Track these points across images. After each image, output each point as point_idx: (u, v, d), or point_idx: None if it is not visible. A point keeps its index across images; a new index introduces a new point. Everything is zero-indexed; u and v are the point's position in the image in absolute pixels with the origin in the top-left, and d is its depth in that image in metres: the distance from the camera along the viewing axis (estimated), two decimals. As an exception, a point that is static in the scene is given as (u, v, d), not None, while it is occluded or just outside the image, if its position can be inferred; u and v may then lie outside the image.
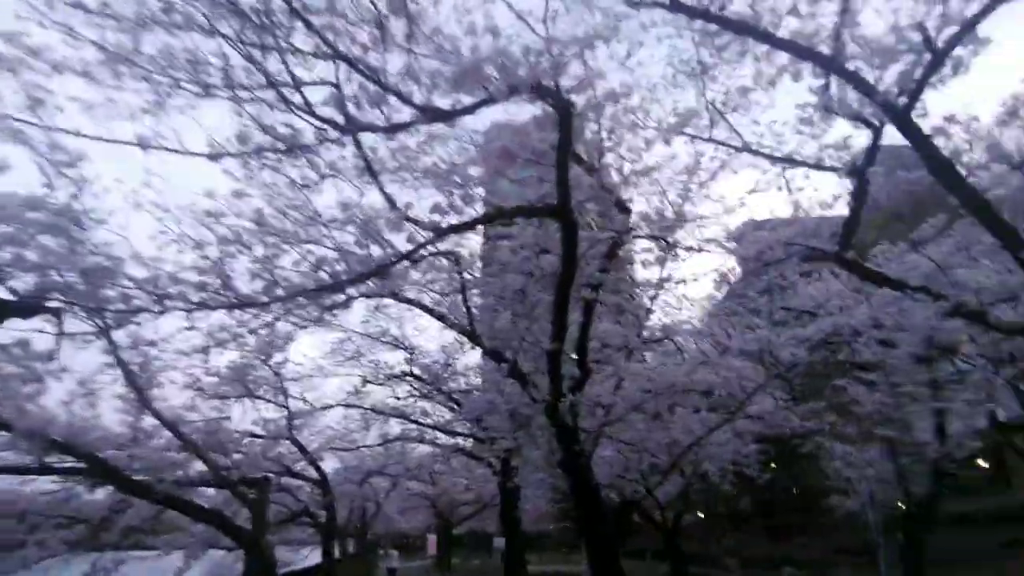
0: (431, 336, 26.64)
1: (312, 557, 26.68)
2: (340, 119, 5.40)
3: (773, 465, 18.28)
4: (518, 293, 7.87)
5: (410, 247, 5.99)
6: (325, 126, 5.46)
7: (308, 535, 26.92)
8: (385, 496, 29.35)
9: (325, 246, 6.26)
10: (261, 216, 6.11)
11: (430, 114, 5.43)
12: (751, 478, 14.75)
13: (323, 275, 5.88)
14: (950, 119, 6.44)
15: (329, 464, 21.51)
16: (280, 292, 5.79)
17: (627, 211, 7.57)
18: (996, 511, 23.89)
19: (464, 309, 9.17)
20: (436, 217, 5.98)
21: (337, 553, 28.91)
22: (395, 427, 17.27)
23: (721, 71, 6.82)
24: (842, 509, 29.32)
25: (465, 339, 12.79)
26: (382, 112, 5.35)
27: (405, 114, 5.46)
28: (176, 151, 5.28)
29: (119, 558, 11.50)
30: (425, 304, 9.90)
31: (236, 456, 10.55)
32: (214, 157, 5.56)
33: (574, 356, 8.22)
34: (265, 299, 5.81)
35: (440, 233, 5.97)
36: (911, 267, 8.16)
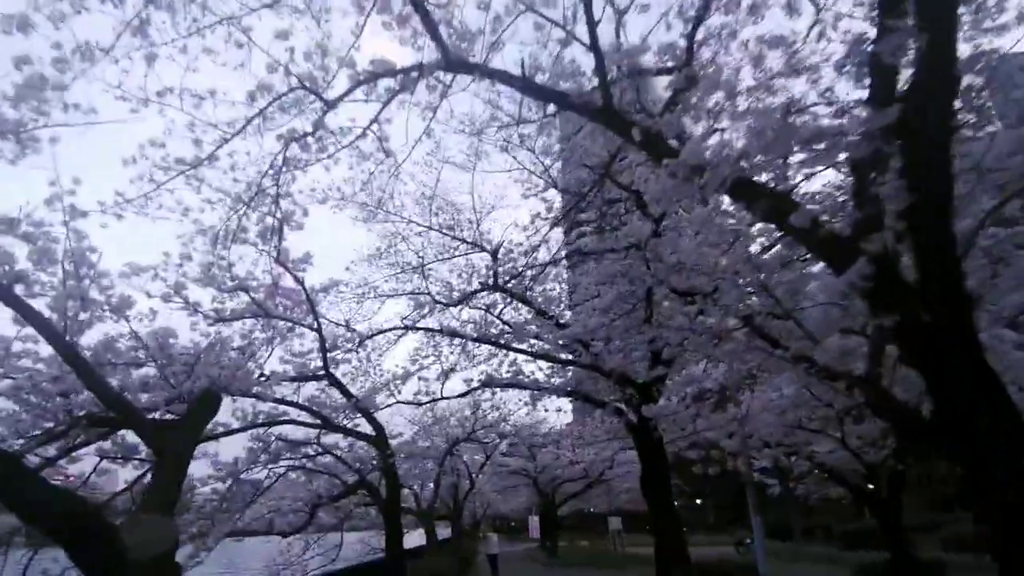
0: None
1: (412, 540, 22.33)
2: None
3: None
4: None
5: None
6: None
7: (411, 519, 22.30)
8: (479, 470, 25.30)
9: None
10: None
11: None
12: None
13: None
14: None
15: (400, 430, 17.54)
16: None
17: None
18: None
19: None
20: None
21: (424, 539, 25.21)
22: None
23: None
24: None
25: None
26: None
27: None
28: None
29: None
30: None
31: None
32: None
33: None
34: None
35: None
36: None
